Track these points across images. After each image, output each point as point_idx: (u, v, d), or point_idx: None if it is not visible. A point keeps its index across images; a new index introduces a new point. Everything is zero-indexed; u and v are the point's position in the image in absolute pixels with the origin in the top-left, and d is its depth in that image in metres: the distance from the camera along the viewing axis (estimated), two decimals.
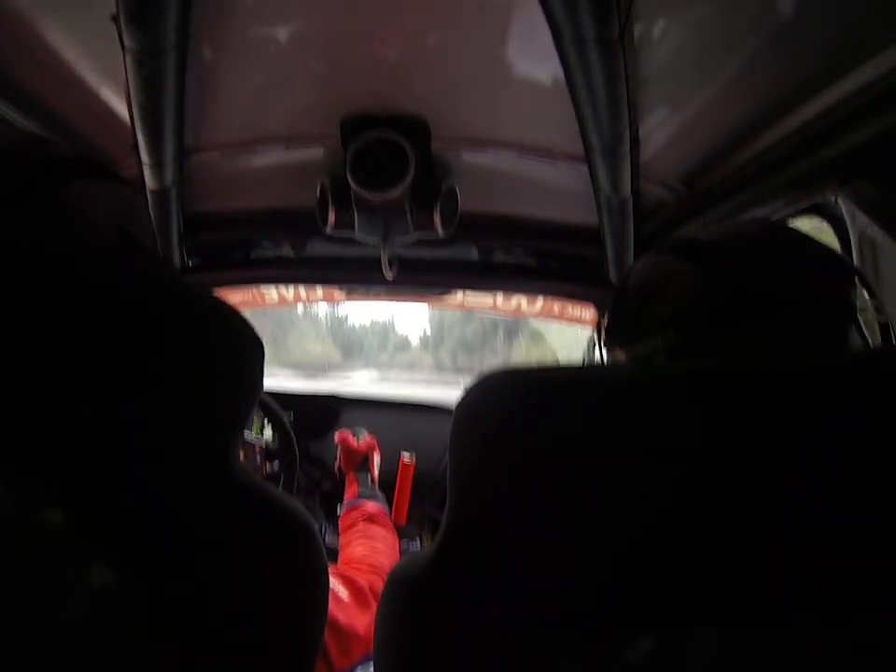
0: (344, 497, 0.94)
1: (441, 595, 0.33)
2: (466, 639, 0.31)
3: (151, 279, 0.33)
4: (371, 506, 0.88)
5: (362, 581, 0.65)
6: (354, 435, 1.07)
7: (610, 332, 0.48)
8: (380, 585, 0.65)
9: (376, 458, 1.05)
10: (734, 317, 0.39)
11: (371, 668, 0.37)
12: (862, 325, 0.38)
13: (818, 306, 0.38)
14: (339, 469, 1.05)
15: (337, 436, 1.06)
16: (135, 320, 0.31)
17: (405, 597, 0.34)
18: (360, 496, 0.92)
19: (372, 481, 0.98)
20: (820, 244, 0.41)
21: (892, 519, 0.28)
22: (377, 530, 0.82)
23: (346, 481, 0.99)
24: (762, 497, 0.28)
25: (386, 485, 1.10)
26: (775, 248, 0.41)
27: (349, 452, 1.02)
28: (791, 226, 0.43)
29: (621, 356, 0.46)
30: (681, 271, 0.43)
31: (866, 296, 0.40)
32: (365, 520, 0.84)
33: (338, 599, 0.59)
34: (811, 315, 0.38)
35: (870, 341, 0.38)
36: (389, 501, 1.17)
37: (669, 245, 0.46)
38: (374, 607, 0.61)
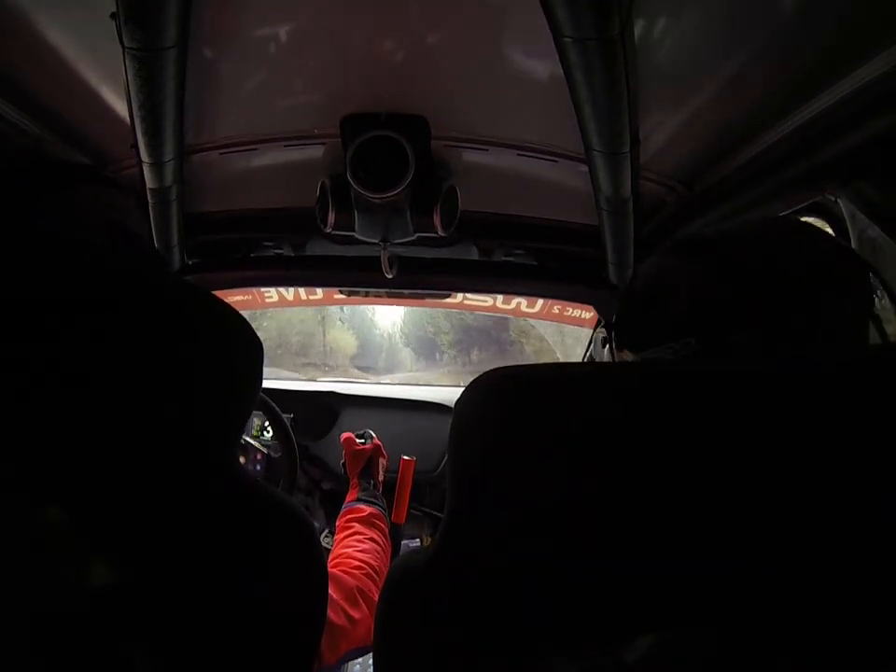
0: (346, 499, 0.95)
1: (440, 592, 0.33)
2: (464, 637, 0.31)
3: (146, 280, 0.33)
4: (369, 509, 0.88)
5: (350, 581, 0.66)
6: (360, 437, 1.07)
7: (620, 337, 0.47)
8: (368, 585, 0.67)
9: (382, 463, 1.04)
10: (747, 315, 0.37)
11: (356, 662, 0.37)
12: (879, 316, 0.37)
13: (831, 300, 0.37)
14: (344, 469, 1.05)
15: (342, 437, 1.06)
16: (131, 320, 0.31)
17: (405, 593, 0.34)
18: (359, 500, 0.92)
19: (376, 486, 0.98)
20: (827, 234, 0.39)
21: None
22: (371, 533, 0.82)
23: (350, 484, 0.99)
24: (761, 497, 0.28)
25: (387, 485, 1.10)
26: (783, 241, 0.40)
27: (353, 455, 1.02)
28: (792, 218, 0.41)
29: (629, 358, 0.45)
30: (691, 272, 0.40)
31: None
32: (360, 522, 0.84)
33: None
34: (825, 309, 0.37)
35: (888, 334, 0.37)
36: (390, 501, 1.17)
37: (675, 244, 0.44)
38: (363, 605, 0.63)
